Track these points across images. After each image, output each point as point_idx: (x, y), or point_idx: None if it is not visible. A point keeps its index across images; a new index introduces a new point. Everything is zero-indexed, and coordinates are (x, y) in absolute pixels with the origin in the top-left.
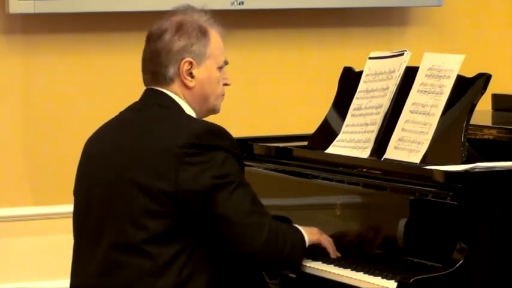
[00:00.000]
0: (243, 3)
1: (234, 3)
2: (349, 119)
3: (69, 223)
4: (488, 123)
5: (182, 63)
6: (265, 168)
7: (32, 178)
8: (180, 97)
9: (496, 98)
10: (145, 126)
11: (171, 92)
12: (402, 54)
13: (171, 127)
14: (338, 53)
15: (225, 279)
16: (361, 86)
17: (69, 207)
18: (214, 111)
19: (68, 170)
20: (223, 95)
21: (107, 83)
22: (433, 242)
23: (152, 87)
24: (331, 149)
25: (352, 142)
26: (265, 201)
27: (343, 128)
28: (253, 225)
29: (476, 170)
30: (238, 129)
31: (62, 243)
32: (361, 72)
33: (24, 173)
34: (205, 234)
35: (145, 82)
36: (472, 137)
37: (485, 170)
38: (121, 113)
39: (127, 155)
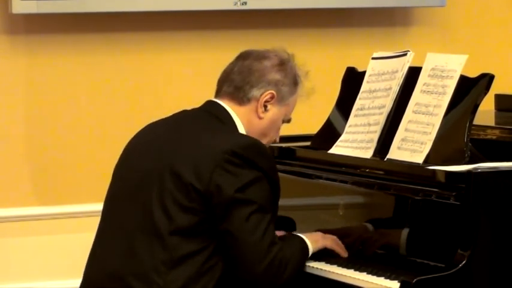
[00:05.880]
0: (246, 3)
1: (237, 3)
2: (352, 119)
3: (73, 223)
4: (491, 123)
5: (267, 92)
6: None
7: (36, 178)
8: (242, 121)
9: (499, 98)
10: (197, 129)
11: (236, 113)
12: (405, 54)
13: (222, 135)
14: (341, 53)
15: (237, 281)
16: (364, 86)
17: (74, 207)
18: None
19: (71, 170)
20: (269, 144)
21: (109, 83)
22: (435, 243)
23: (216, 100)
24: (334, 149)
25: (355, 142)
26: None
27: (346, 128)
28: (258, 252)
29: (479, 170)
30: None
31: (66, 243)
32: (364, 73)
33: (28, 173)
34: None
35: (219, 92)
36: (475, 137)
37: (488, 170)
38: (176, 114)
39: (172, 146)
